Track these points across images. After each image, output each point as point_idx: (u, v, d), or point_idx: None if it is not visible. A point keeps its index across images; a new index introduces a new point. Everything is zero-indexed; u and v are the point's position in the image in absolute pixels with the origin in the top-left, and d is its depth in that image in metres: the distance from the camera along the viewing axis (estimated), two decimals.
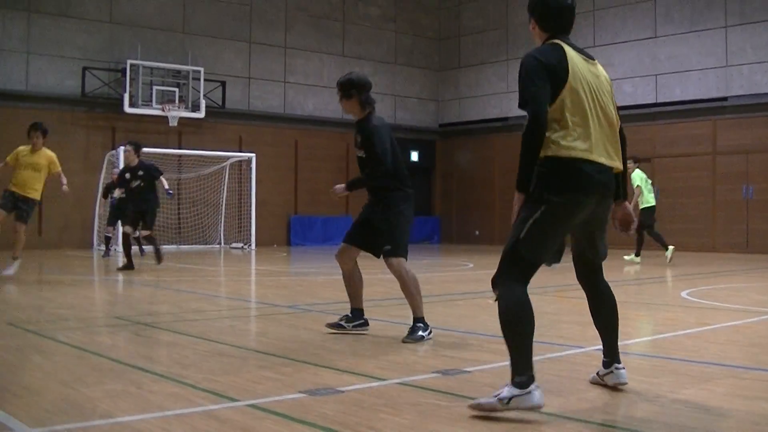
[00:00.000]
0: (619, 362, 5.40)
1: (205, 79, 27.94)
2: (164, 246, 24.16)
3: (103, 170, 25.60)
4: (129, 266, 16.60)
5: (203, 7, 28.94)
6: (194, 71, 27.78)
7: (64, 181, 14.81)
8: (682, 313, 10.35)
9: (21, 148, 14.80)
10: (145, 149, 26.03)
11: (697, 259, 21.70)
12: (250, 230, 27.85)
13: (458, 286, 14.00)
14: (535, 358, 5.24)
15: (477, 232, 32.96)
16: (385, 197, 7.81)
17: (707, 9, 27.03)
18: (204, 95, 27.83)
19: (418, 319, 7.71)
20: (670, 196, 26.77)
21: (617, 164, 5.10)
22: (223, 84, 28.60)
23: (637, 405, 5.05)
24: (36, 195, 14.56)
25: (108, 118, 26.87)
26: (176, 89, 27.32)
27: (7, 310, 9.84)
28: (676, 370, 6.33)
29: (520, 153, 4.83)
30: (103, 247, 22.94)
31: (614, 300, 5.49)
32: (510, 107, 31.88)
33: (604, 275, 5.46)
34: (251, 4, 30.03)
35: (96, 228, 26.05)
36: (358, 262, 8.14)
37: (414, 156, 34.38)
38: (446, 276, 16.64)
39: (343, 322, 7.89)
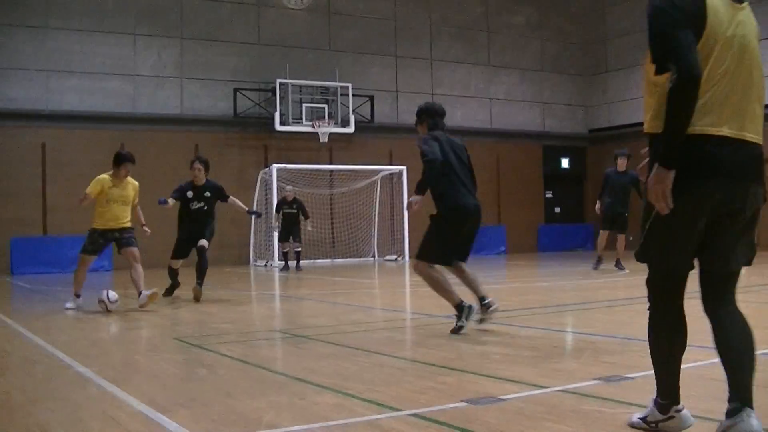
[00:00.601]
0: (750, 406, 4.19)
1: (353, 95, 28.23)
2: (319, 260, 24.55)
3: (257, 188, 26.16)
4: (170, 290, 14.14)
5: (349, 24, 29.29)
6: (342, 87, 28.11)
7: (142, 220, 13.25)
8: None
9: (103, 177, 12.73)
10: (297, 166, 26.70)
11: None
12: (403, 242, 27.96)
13: (616, 293, 13.79)
14: (698, 363, 5.11)
15: (631, 238, 32.31)
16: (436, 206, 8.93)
17: None
18: (353, 110, 28.14)
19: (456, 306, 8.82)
20: None
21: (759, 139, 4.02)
22: (371, 98, 28.87)
23: None
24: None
25: (260, 138, 27.43)
26: (325, 106, 27.69)
27: (171, 326, 10.13)
28: None
29: (667, 119, 3.79)
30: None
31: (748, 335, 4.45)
32: None
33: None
34: (396, 18, 30.26)
35: (252, 244, 26.67)
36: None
37: (564, 163, 34.05)
38: (602, 282, 16.40)
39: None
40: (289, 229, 22.94)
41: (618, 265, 18.89)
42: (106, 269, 24.08)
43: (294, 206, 22.99)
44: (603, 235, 19.37)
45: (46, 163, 24.28)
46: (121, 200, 12.61)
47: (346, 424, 4.78)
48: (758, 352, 6.80)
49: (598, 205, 19.38)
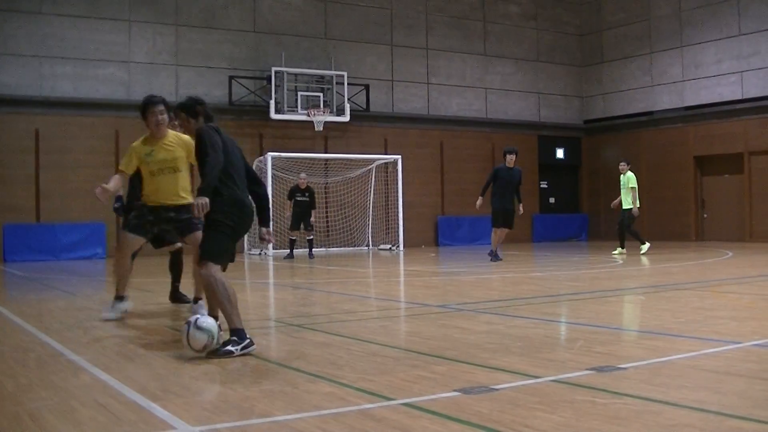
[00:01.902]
0: None
1: (348, 84, 28.22)
2: (315, 249, 24.57)
3: None
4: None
5: (345, 12, 29.25)
6: (338, 76, 28.09)
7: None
8: None
9: (135, 143, 9.70)
10: (292, 154, 26.70)
11: None
12: (398, 231, 27.96)
13: (609, 283, 13.80)
14: (690, 354, 5.12)
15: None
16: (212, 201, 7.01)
17: None
18: (348, 99, 28.12)
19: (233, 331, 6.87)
20: None
21: None
22: (367, 87, 28.84)
23: None
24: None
25: (255, 125, 27.40)
26: (320, 94, 27.67)
27: (165, 314, 10.12)
28: None
29: None
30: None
31: None
32: (655, 101, 31.31)
33: None
34: (392, 7, 30.21)
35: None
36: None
37: (559, 153, 34.05)
38: (596, 273, 16.43)
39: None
40: (301, 217, 22.99)
41: (495, 255, 19.31)
42: (100, 257, 24.06)
43: (306, 194, 23.02)
44: (497, 233, 19.40)
45: (40, 150, 24.19)
46: (169, 167, 9.43)
47: (339, 413, 4.79)
48: (751, 342, 6.86)
49: (480, 201, 19.05)
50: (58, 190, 24.11)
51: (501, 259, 19.12)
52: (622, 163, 22.38)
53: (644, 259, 19.38)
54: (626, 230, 21.94)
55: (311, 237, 23.49)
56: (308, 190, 23.15)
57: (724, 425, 4.35)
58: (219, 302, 6.95)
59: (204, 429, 4.47)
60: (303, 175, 23.72)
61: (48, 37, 24.67)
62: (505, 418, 4.54)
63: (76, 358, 6.80)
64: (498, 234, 19.30)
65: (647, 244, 21.92)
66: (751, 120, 28.11)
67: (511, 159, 19.09)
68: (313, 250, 23.87)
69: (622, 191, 22.06)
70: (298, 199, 22.93)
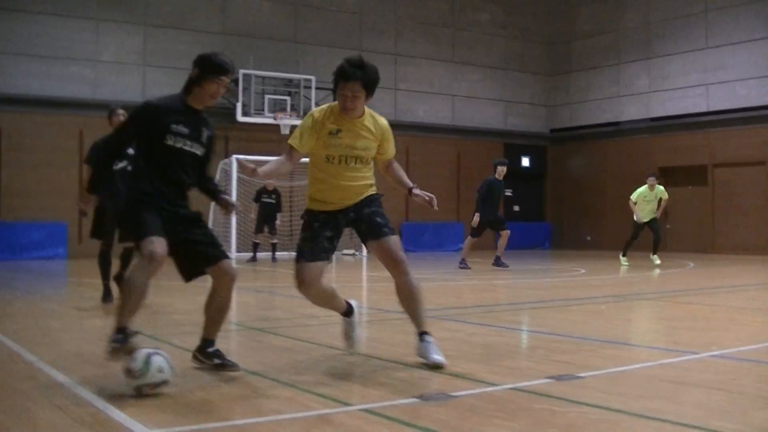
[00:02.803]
0: None
1: (316, 88, 28.18)
2: (279, 253, 24.52)
3: (216, 178, 26.01)
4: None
5: (313, 16, 29.23)
6: (305, 80, 28.05)
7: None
8: None
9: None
10: (258, 157, 26.59)
11: None
12: None
13: (571, 292, 13.85)
14: (648, 364, 5.14)
15: (588, 238, 32.59)
16: None
17: None
18: (316, 103, 28.07)
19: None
20: None
21: None
22: (334, 92, 28.75)
23: (756, 413, 4.94)
24: None
25: (221, 128, 27.23)
26: (288, 98, 27.62)
27: None
28: None
29: None
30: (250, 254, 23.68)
31: None
32: (622, 111, 31.51)
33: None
34: (361, 12, 30.24)
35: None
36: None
37: (525, 162, 34.17)
38: (558, 282, 16.50)
39: None
40: (266, 220, 22.90)
41: (501, 263, 19.99)
42: (61, 257, 23.89)
43: (273, 196, 22.97)
44: (473, 242, 20.38)
45: (2, 147, 23.97)
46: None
47: (298, 417, 4.79)
48: (709, 353, 6.90)
49: (477, 218, 19.86)
50: (20, 188, 23.89)
51: (508, 267, 19.68)
52: (651, 178, 21.62)
53: (623, 269, 19.54)
54: (657, 238, 21.76)
55: (275, 241, 23.42)
56: (275, 193, 23.11)
57: None
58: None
59: None
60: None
61: (14, 34, 24.46)
62: (463, 425, 4.55)
63: (33, 359, 6.75)
64: (503, 238, 20.24)
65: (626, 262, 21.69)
66: (716, 132, 28.36)
67: (502, 171, 19.67)
68: (277, 253, 23.80)
69: (646, 204, 21.39)
70: (264, 200, 22.88)
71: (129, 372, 5.37)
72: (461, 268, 19.18)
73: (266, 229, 22.97)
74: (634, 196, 21.46)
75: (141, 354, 5.42)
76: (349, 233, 6.88)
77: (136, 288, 5.80)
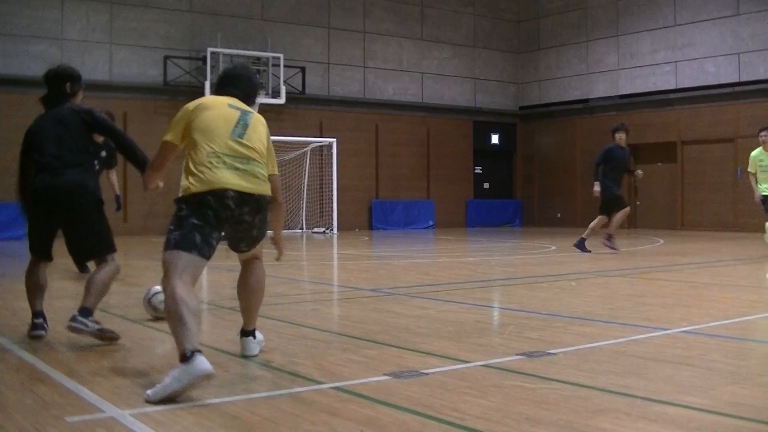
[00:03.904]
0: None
1: (284, 66, 28.06)
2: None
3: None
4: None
5: None
6: (274, 58, 27.92)
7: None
8: None
9: None
10: None
11: None
12: (332, 215, 27.98)
13: (541, 269, 13.90)
14: (619, 340, 5.17)
15: (559, 215, 32.73)
16: None
17: None
18: (284, 81, 27.98)
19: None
20: None
21: None
22: (303, 70, 28.74)
23: (725, 388, 4.97)
24: None
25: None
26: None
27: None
28: (766, 353, 6.24)
29: None
30: None
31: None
32: (591, 89, 31.60)
33: None
34: None
35: None
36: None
37: (495, 139, 34.22)
38: (529, 259, 16.55)
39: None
40: None
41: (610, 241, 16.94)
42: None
43: None
44: (618, 216, 17.01)
45: None
46: None
47: (269, 396, 4.79)
48: (679, 329, 6.97)
49: (597, 187, 17.00)
50: None
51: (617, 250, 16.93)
52: (764, 132, 16.46)
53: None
54: None
55: None
56: None
57: (651, 410, 4.41)
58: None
59: (133, 413, 4.44)
60: None
61: None
62: (434, 403, 4.56)
63: (2, 341, 6.72)
64: (620, 216, 16.94)
65: None
66: (684, 110, 28.50)
67: (621, 137, 16.98)
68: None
69: (762, 172, 16.49)
70: None
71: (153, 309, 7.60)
72: (611, 249, 16.78)
73: None
74: (751, 167, 16.60)
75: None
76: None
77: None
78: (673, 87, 28.85)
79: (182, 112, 5.76)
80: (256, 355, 5.97)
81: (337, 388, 4.94)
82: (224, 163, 5.50)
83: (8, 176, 22.73)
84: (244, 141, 5.60)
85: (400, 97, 31.54)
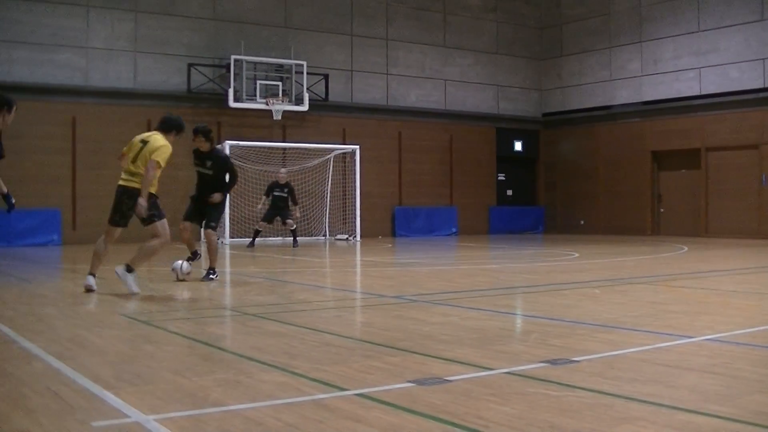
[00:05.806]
0: None
1: (307, 73, 28.13)
2: (270, 238, 24.57)
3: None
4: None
5: (305, 1, 29.12)
6: (297, 65, 27.99)
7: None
8: None
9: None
10: (250, 143, 26.62)
11: None
12: (354, 222, 27.99)
13: (564, 276, 13.86)
14: (643, 348, 5.14)
15: (582, 222, 32.64)
16: None
17: None
18: (307, 89, 28.03)
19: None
20: None
21: None
22: (326, 77, 28.78)
23: (750, 396, 4.95)
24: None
25: (213, 113, 27.23)
26: (279, 83, 27.57)
27: (119, 301, 10.05)
28: None
29: None
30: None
31: None
32: (614, 95, 31.51)
33: None
34: None
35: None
36: None
37: (517, 146, 34.18)
38: (552, 266, 16.50)
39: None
40: (277, 212, 23.43)
41: None
42: (55, 243, 23.85)
43: (285, 190, 23.33)
44: None
45: None
46: None
47: (293, 402, 4.78)
48: (703, 337, 6.93)
49: None
50: (13, 176, 23.72)
51: None
52: None
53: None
54: None
55: (294, 227, 23.85)
56: (287, 186, 23.47)
57: (675, 419, 4.39)
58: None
59: (157, 418, 4.45)
60: (283, 170, 24.18)
61: (3, 21, 24.34)
62: (458, 410, 4.56)
63: (29, 346, 6.74)
64: None
65: None
66: (708, 116, 28.38)
67: None
68: (268, 239, 24.15)
69: None
70: (276, 194, 23.20)
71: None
72: None
73: (281, 220, 23.58)
74: None
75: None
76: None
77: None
78: (696, 93, 28.74)
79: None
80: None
81: (360, 395, 4.93)
82: None
83: (33, 183, 23.00)
84: None
85: (423, 104, 31.54)
